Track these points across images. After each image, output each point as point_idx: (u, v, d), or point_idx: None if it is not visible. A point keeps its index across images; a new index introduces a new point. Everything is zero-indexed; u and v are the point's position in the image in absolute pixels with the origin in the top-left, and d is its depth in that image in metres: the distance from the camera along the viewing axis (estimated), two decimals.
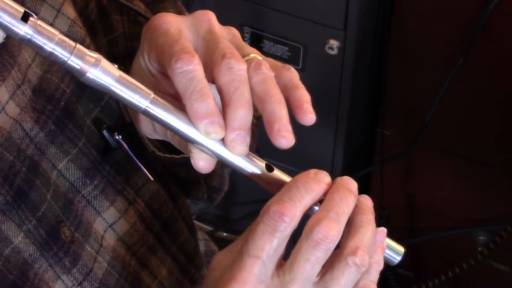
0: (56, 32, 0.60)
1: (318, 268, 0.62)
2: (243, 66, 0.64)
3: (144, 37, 0.69)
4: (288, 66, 0.68)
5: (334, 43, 1.58)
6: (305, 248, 0.61)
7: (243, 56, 0.66)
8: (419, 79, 1.64)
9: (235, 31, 0.69)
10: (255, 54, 0.67)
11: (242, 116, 0.63)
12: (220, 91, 0.64)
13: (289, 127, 0.64)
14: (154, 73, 0.69)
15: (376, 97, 1.72)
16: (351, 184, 0.65)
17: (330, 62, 1.61)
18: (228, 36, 0.68)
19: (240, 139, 0.64)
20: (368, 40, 1.61)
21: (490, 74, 1.56)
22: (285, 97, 0.66)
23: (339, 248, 0.63)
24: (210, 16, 0.68)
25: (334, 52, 1.58)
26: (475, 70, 1.55)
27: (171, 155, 0.79)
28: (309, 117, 0.65)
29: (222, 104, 0.64)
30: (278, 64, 0.68)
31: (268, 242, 0.61)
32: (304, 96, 0.66)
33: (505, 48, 1.51)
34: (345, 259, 0.62)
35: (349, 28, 1.55)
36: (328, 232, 0.61)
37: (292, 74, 0.67)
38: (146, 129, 0.72)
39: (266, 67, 0.66)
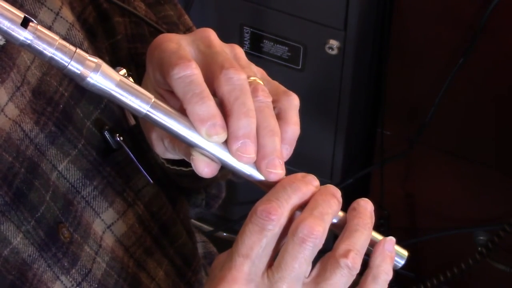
0: (56, 37, 0.60)
1: (305, 266, 0.63)
2: (243, 76, 0.64)
3: (148, 58, 0.68)
4: (289, 92, 0.67)
5: (334, 43, 1.58)
6: (292, 247, 0.62)
7: None
8: (419, 79, 1.64)
9: (238, 49, 0.69)
10: (255, 77, 0.66)
11: (245, 124, 0.63)
12: (221, 102, 0.64)
13: (277, 162, 0.64)
14: (162, 93, 0.68)
15: (376, 97, 1.72)
16: (334, 190, 0.65)
17: (330, 62, 1.61)
18: (230, 53, 0.67)
19: (245, 148, 0.63)
20: (368, 40, 1.62)
21: (490, 74, 1.56)
22: None
23: (332, 250, 0.64)
24: (210, 33, 0.68)
25: (334, 52, 1.58)
26: (475, 70, 1.55)
27: (180, 168, 0.79)
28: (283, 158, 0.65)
29: (224, 115, 0.64)
30: (281, 88, 0.68)
31: (257, 241, 0.62)
32: (290, 135, 0.65)
33: (505, 48, 1.51)
34: (337, 260, 0.63)
35: (349, 28, 1.55)
36: (313, 228, 0.62)
37: (289, 102, 0.67)
38: (158, 149, 0.72)
39: (263, 94, 0.65)
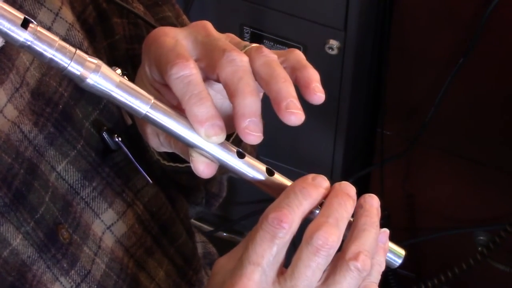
0: (56, 38, 0.60)
1: (319, 274, 0.62)
2: (245, 58, 0.64)
3: (144, 52, 0.68)
4: (292, 49, 0.67)
5: (334, 43, 1.58)
6: (306, 255, 0.61)
7: (243, 47, 0.66)
8: (419, 79, 1.64)
9: (232, 35, 0.69)
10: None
11: (251, 103, 0.62)
12: (224, 84, 0.63)
13: (297, 104, 0.62)
14: (157, 87, 0.68)
15: (376, 97, 1.72)
16: (349, 189, 0.64)
17: (330, 62, 1.60)
18: (226, 39, 0.67)
19: (254, 126, 0.62)
20: (368, 40, 1.61)
21: (490, 74, 1.56)
22: (294, 78, 0.65)
23: (341, 251, 0.63)
24: (206, 24, 0.68)
25: (334, 52, 1.58)
26: (475, 70, 1.55)
27: (176, 164, 0.79)
28: (317, 95, 0.64)
29: (228, 96, 0.63)
30: (282, 50, 0.68)
31: (268, 249, 0.61)
32: (312, 75, 0.65)
33: (505, 48, 1.51)
34: (347, 263, 0.62)
35: (349, 28, 1.55)
36: (328, 238, 0.61)
37: (298, 55, 0.66)
38: (153, 142, 0.72)
39: (268, 50, 0.65)
